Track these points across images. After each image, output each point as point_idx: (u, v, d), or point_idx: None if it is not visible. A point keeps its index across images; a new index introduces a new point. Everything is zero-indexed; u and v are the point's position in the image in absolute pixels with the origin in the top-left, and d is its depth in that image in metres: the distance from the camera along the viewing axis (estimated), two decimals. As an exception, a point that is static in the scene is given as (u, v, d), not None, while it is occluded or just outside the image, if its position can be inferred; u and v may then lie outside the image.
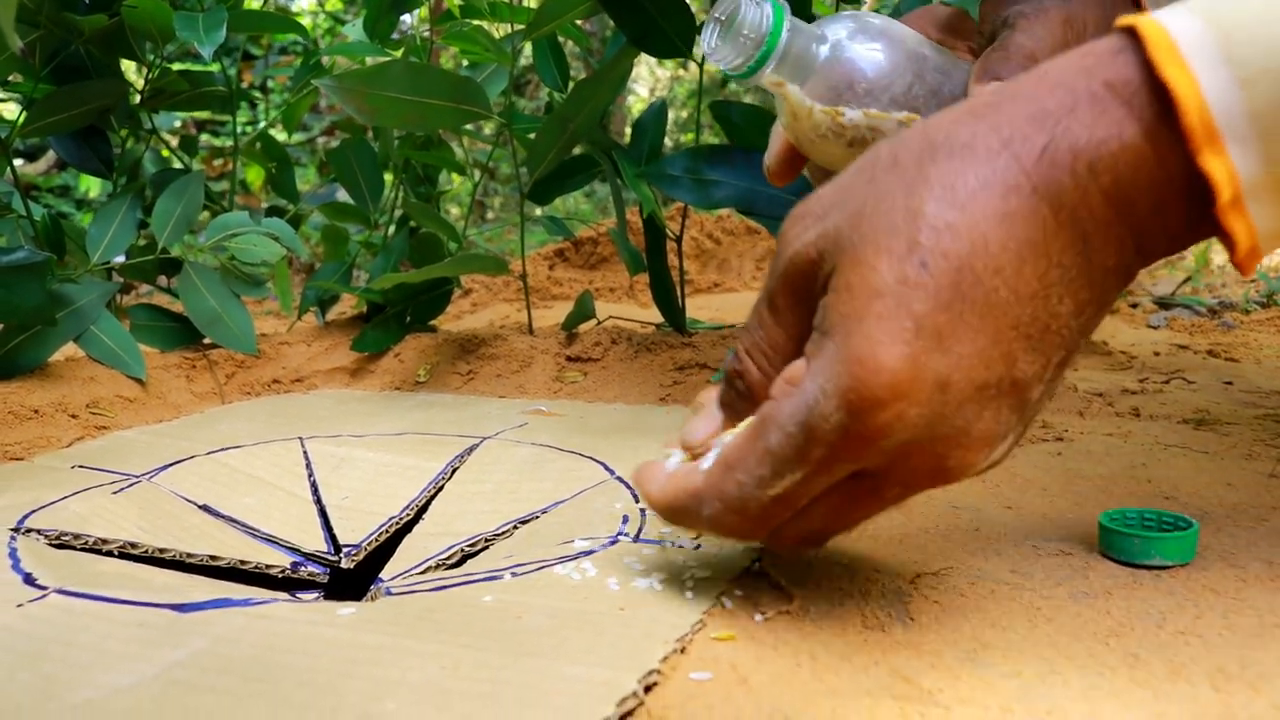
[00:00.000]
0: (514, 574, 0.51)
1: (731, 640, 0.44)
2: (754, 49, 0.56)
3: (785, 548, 0.47)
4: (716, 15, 0.56)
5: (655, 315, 1.16)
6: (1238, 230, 0.39)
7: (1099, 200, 0.39)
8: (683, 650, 0.42)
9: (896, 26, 0.58)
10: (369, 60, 1.08)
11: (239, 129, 1.22)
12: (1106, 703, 0.39)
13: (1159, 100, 0.38)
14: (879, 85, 0.57)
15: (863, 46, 0.57)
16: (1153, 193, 0.39)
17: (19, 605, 0.48)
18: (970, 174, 0.40)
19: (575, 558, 0.53)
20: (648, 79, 5.85)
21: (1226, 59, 0.38)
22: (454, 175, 1.24)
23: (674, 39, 0.92)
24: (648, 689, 0.39)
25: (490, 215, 3.97)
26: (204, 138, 3.10)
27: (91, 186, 3.18)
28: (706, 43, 0.57)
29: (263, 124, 1.41)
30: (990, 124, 0.41)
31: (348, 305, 1.46)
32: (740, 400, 0.46)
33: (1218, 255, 2.31)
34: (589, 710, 0.36)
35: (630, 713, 0.37)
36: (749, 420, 0.43)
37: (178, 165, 1.21)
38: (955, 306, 0.39)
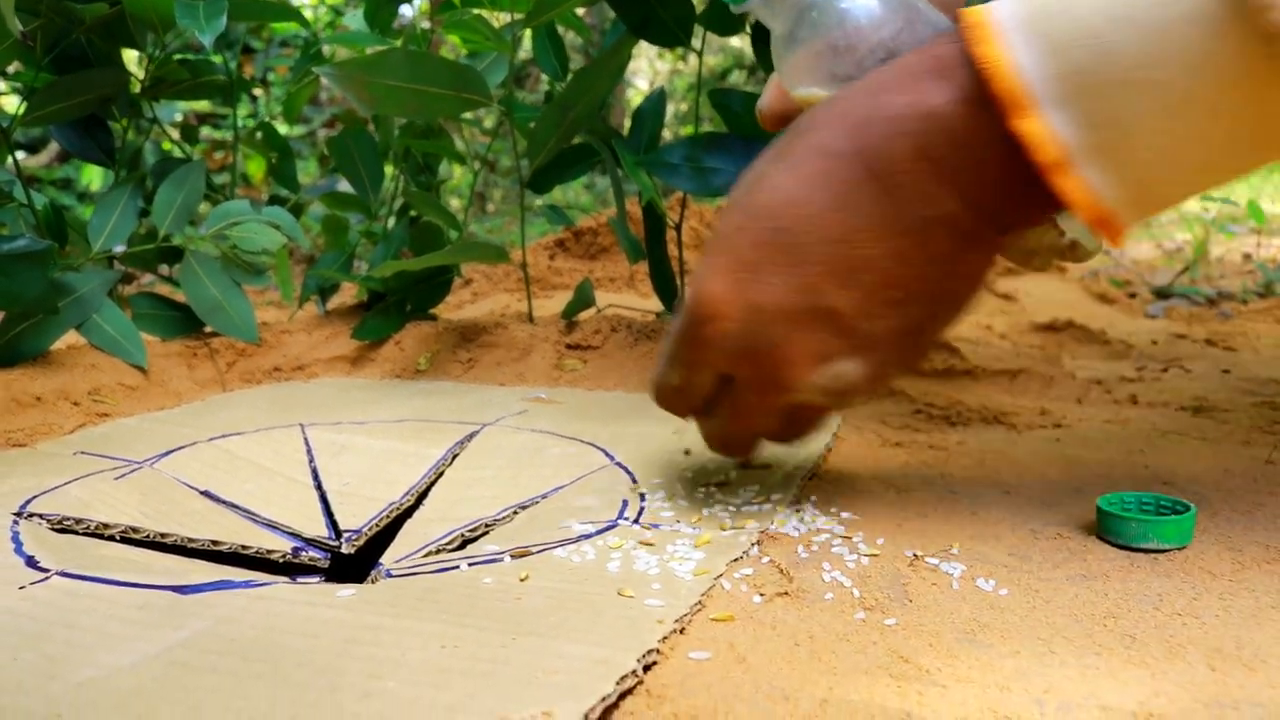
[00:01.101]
0: (513, 556, 0.51)
1: (730, 621, 0.44)
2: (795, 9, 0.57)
3: (720, 448, 0.57)
4: None
5: (655, 304, 1.16)
6: (1071, 191, 0.44)
7: (907, 154, 0.46)
8: (682, 631, 0.43)
9: None
10: (369, 50, 1.08)
11: (239, 122, 1.22)
12: (1104, 682, 0.39)
13: (977, 72, 0.44)
14: (867, 29, 0.57)
15: None
16: (967, 150, 0.45)
17: (21, 587, 0.48)
18: (807, 142, 0.49)
19: (575, 541, 0.53)
20: (647, 72, 5.85)
21: (1040, 32, 0.42)
22: (455, 167, 1.24)
23: (673, 27, 0.92)
24: (647, 668, 0.39)
25: (490, 208, 3.97)
26: (204, 131, 3.09)
27: (93, 179, 3.18)
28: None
29: (263, 115, 1.42)
30: (838, 102, 0.49)
31: (348, 295, 1.46)
32: None
33: (1216, 246, 2.31)
34: (589, 688, 0.36)
35: (629, 691, 0.38)
36: None
37: (179, 155, 1.21)
38: (768, 248, 0.48)
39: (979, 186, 0.46)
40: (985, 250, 0.49)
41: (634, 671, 0.38)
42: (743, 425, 0.54)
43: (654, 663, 0.40)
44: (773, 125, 0.67)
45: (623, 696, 0.37)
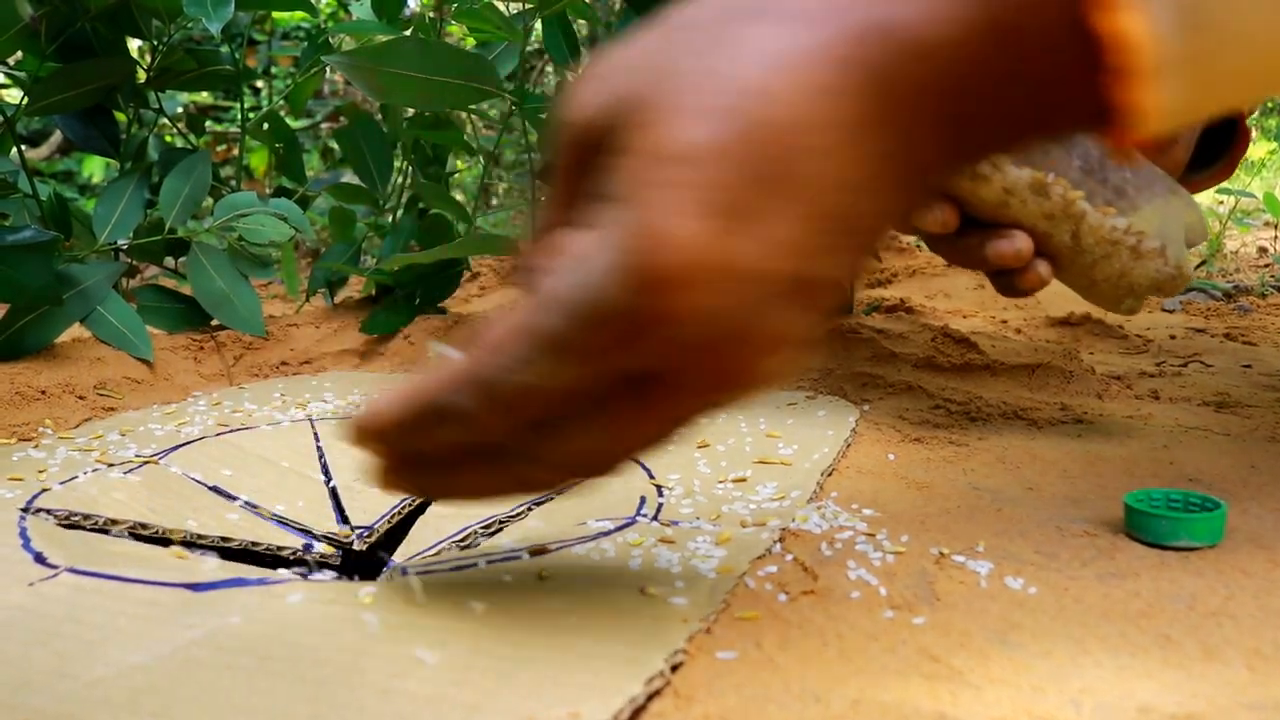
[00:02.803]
0: (532, 554, 0.50)
1: (756, 620, 0.43)
2: None
3: (538, 487, 0.41)
4: None
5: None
6: (1145, 110, 0.32)
7: (923, 88, 0.33)
8: (708, 630, 0.42)
9: None
10: (377, 39, 1.07)
11: (241, 115, 1.21)
12: (1140, 682, 0.38)
13: None
14: None
15: None
16: (988, 75, 0.33)
17: (30, 584, 0.47)
18: (789, 38, 0.33)
19: (594, 538, 0.52)
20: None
21: None
22: (459, 162, 1.23)
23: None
24: (674, 668, 0.38)
25: (494, 202, 3.96)
26: (207, 124, 3.09)
27: (95, 171, 3.17)
28: None
29: (266, 108, 1.41)
30: None
31: (355, 288, 1.46)
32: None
33: (1231, 240, 2.30)
34: (616, 689, 0.35)
35: (657, 692, 0.37)
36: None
37: (182, 146, 1.20)
38: (762, 183, 0.32)
39: (983, 125, 0.35)
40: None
41: (662, 672, 0.37)
42: (606, 450, 0.38)
43: (681, 663, 0.39)
44: None
45: (651, 697, 0.36)
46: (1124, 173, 0.61)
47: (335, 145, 2.51)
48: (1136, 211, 0.61)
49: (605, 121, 0.35)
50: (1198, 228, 0.65)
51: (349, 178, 1.24)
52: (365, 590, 0.45)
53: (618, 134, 0.34)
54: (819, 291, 0.34)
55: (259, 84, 2.88)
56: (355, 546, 0.62)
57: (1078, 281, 0.65)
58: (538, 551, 0.51)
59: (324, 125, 3.48)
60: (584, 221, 0.35)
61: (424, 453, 0.40)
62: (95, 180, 3.14)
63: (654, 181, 0.32)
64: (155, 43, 1.04)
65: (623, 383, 0.35)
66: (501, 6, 1.02)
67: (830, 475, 0.64)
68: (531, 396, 0.35)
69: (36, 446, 0.72)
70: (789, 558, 0.50)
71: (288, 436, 0.75)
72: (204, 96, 3.14)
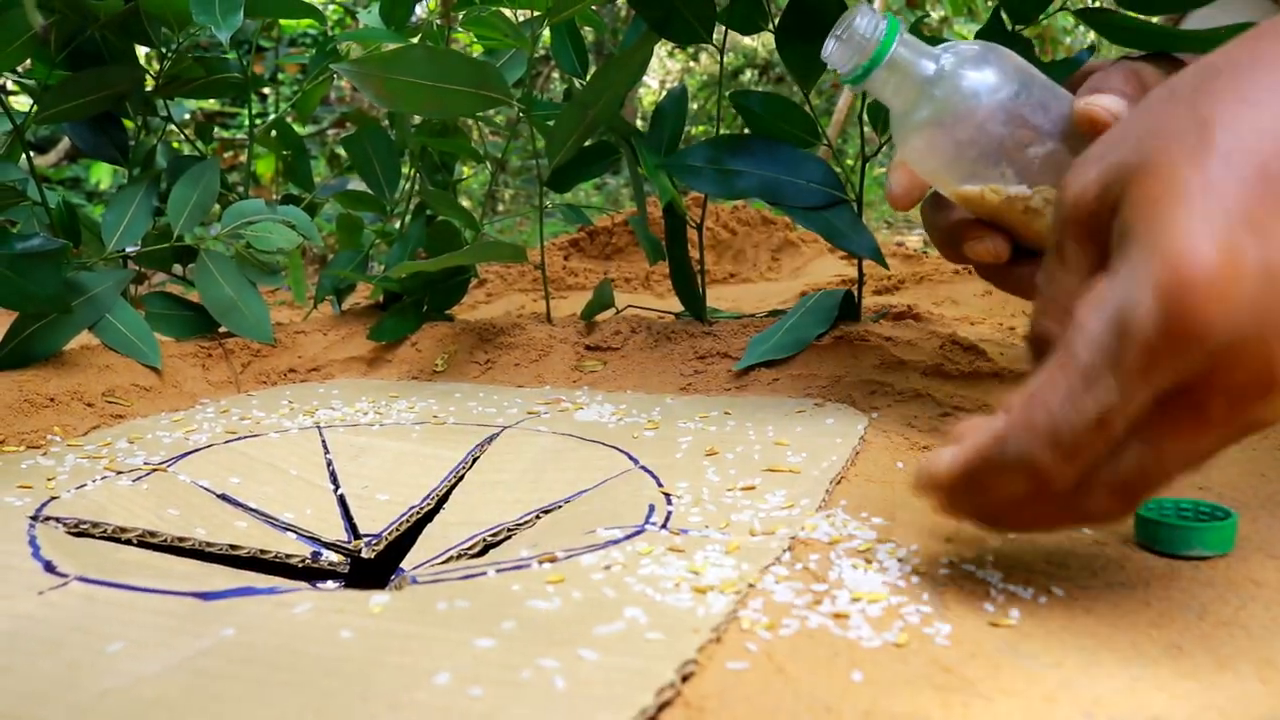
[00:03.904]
0: (541, 563, 0.50)
1: (766, 629, 0.43)
2: (864, 55, 0.59)
3: (1097, 517, 0.42)
4: (837, 33, 0.60)
5: (673, 305, 1.15)
6: None
7: None
8: (718, 640, 0.41)
9: (1001, 49, 0.61)
10: (385, 46, 1.07)
11: (249, 121, 1.21)
12: (1153, 694, 0.38)
13: None
14: (986, 96, 0.59)
15: (972, 69, 0.59)
16: None
17: (40, 593, 0.47)
18: (1259, 80, 0.38)
19: (603, 547, 0.52)
20: (658, 70, 5.84)
21: None
22: (465, 168, 1.23)
23: (695, 24, 0.91)
24: (685, 679, 0.38)
25: (500, 209, 3.96)
26: (214, 131, 3.09)
27: (102, 178, 3.18)
28: (825, 49, 0.61)
29: (272, 115, 1.41)
30: (1274, 40, 0.40)
31: (362, 295, 1.46)
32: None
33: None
34: (627, 700, 0.35)
35: (668, 703, 0.36)
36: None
37: (190, 153, 1.20)
38: (1269, 197, 0.36)
39: None
40: None
41: (672, 683, 0.37)
42: (1174, 458, 0.40)
43: (692, 673, 0.39)
44: (905, 205, 0.66)
45: (662, 708, 0.36)
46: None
47: (342, 152, 2.51)
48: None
49: (1099, 191, 0.41)
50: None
51: (355, 185, 1.24)
52: (375, 600, 0.45)
53: (1114, 197, 0.40)
54: None
55: (266, 91, 2.89)
56: (363, 554, 0.62)
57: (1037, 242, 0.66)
58: (547, 560, 0.50)
59: (330, 132, 3.49)
60: (1097, 281, 0.40)
61: (996, 506, 0.43)
62: (103, 187, 3.15)
63: (1167, 215, 0.37)
64: (163, 50, 1.04)
65: (1172, 398, 0.38)
66: (508, 14, 1.02)
67: (839, 483, 0.63)
68: (1093, 433, 0.39)
69: (45, 454, 0.72)
70: (799, 566, 0.50)
71: (296, 444, 0.76)
72: (211, 103, 3.14)
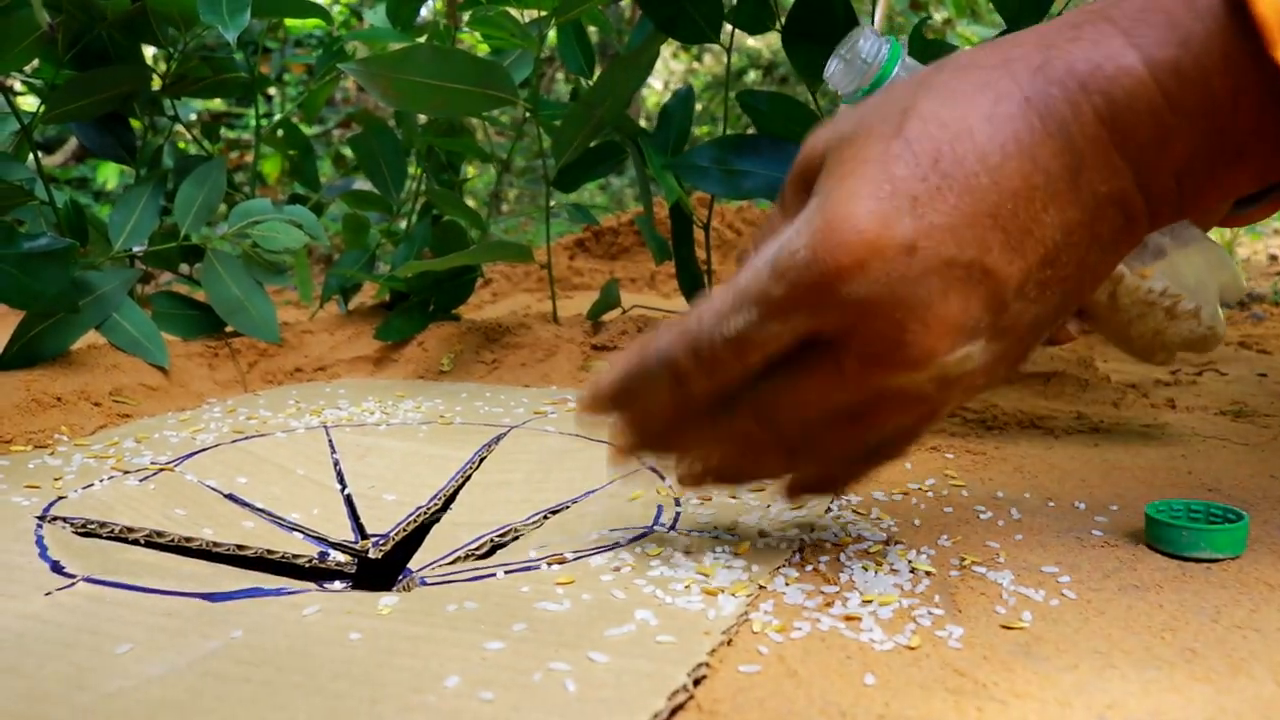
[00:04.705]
0: (550, 564, 0.50)
1: (777, 632, 0.43)
2: (867, 76, 0.60)
3: (756, 448, 0.45)
4: (841, 53, 0.61)
5: (678, 305, 1.15)
6: None
7: (1090, 117, 0.40)
8: (729, 642, 0.41)
9: None
10: (392, 46, 1.07)
11: (257, 121, 1.21)
12: (1167, 697, 0.38)
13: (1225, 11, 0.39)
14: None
15: None
16: (1153, 120, 0.40)
17: (47, 594, 0.47)
18: (965, 82, 0.41)
19: (612, 548, 0.52)
20: (662, 71, 5.83)
21: None
22: (469, 169, 1.23)
23: (702, 24, 0.91)
24: (697, 682, 0.38)
25: (504, 209, 3.96)
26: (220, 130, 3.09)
27: (109, 178, 3.17)
28: (827, 67, 0.61)
29: (278, 116, 1.40)
30: (994, 48, 0.43)
31: (368, 295, 1.45)
32: None
33: (1242, 248, 2.29)
34: (639, 703, 0.35)
35: (681, 706, 0.36)
36: None
37: (196, 153, 1.20)
38: (933, 179, 0.39)
39: (1165, 163, 0.41)
40: (1130, 244, 0.44)
41: (685, 686, 0.37)
42: (807, 408, 0.43)
43: (704, 676, 0.38)
44: None
45: (674, 712, 0.36)
46: (1163, 236, 0.62)
47: (347, 152, 2.51)
48: (1175, 271, 0.63)
49: (820, 150, 0.43)
50: (1232, 287, 0.66)
51: (360, 185, 1.24)
52: (384, 601, 0.45)
53: (826, 155, 0.43)
54: (997, 289, 0.40)
55: (271, 91, 2.89)
56: (370, 554, 0.61)
57: (1113, 336, 0.67)
58: (556, 562, 0.50)
59: (335, 132, 3.49)
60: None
61: (648, 416, 0.46)
62: (110, 187, 3.15)
63: (845, 176, 0.40)
64: (170, 50, 1.04)
65: (814, 347, 0.41)
66: (515, 14, 1.02)
67: (848, 485, 0.63)
68: (729, 350, 0.42)
69: (52, 454, 0.72)
70: (809, 568, 0.49)
71: (302, 444, 0.75)
72: (215, 104, 3.15)
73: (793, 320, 0.40)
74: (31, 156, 0.98)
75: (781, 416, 0.43)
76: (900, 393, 0.42)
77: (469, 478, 0.70)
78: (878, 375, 0.41)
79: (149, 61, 1.09)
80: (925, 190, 0.39)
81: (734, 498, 0.60)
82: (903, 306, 0.39)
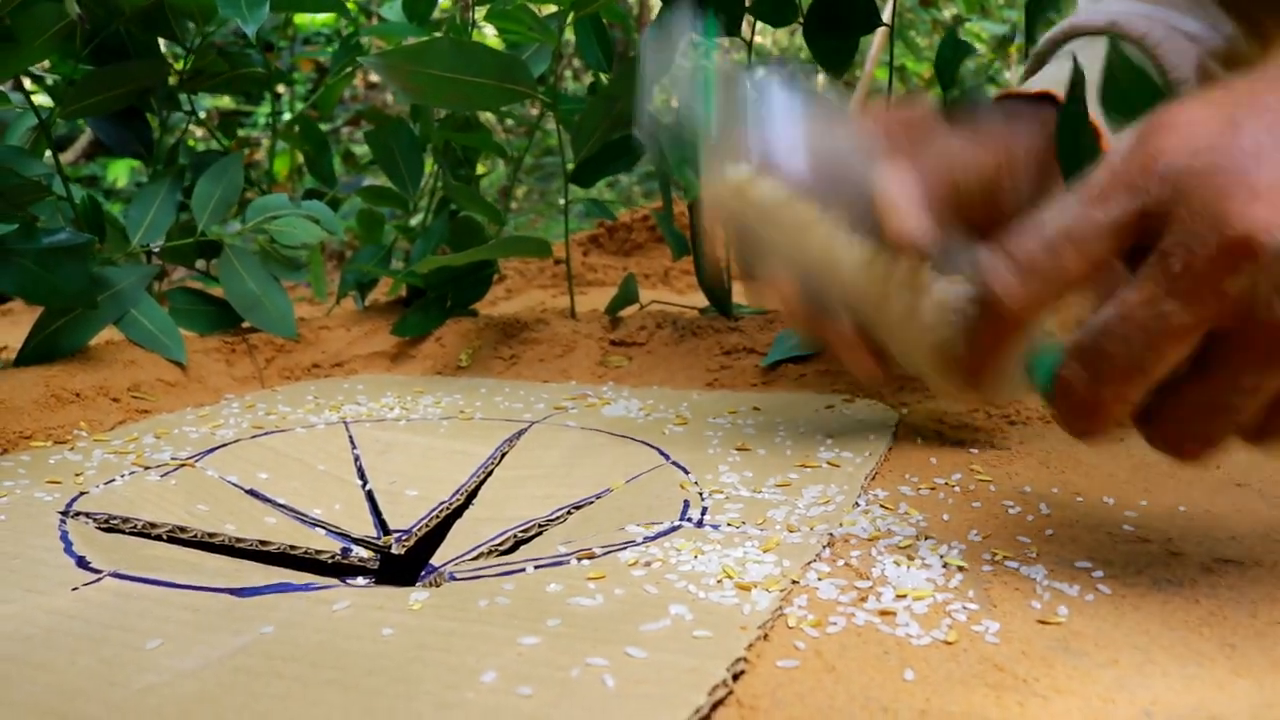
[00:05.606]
0: (579, 559, 0.50)
1: (813, 627, 0.42)
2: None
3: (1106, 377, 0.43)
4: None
5: (696, 300, 1.14)
6: None
7: None
8: (766, 637, 0.41)
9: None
10: (407, 41, 1.06)
11: (267, 118, 1.20)
12: (1210, 693, 0.37)
13: None
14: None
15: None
16: None
17: (74, 589, 0.47)
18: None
19: (640, 543, 0.51)
20: (673, 68, 5.81)
21: None
22: (480, 166, 1.23)
23: (723, 18, 0.90)
24: (736, 677, 0.37)
25: (514, 205, 3.95)
26: (236, 126, 3.10)
27: (119, 176, 3.17)
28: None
29: (287, 114, 1.40)
30: None
31: (383, 291, 1.45)
32: None
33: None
34: (680, 699, 0.34)
35: (721, 702, 0.36)
36: None
37: (214, 147, 1.20)
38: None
39: None
40: None
41: (724, 681, 0.36)
42: (1142, 317, 0.41)
43: (743, 671, 0.38)
44: None
45: (715, 707, 0.35)
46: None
47: (357, 149, 2.51)
48: None
49: (1171, 186, 0.41)
50: None
51: (371, 181, 1.23)
52: (415, 596, 0.45)
53: (1189, 199, 0.41)
54: None
55: (280, 88, 2.89)
56: (393, 550, 0.61)
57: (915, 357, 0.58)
58: (586, 556, 0.50)
59: (344, 129, 3.49)
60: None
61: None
62: (120, 185, 3.15)
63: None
64: (187, 45, 1.03)
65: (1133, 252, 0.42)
66: (533, 8, 1.02)
67: (874, 479, 0.63)
68: (1070, 239, 0.43)
69: (72, 449, 0.72)
70: (840, 563, 0.49)
71: (322, 439, 0.75)
72: (224, 101, 3.15)
73: (1115, 200, 0.42)
74: (50, 151, 0.97)
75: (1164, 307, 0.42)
76: (1245, 305, 0.40)
77: (491, 473, 0.69)
78: (1209, 255, 0.40)
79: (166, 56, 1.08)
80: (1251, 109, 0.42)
81: (759, 493, 0.59)
82: (1222, 173, 0.40)
